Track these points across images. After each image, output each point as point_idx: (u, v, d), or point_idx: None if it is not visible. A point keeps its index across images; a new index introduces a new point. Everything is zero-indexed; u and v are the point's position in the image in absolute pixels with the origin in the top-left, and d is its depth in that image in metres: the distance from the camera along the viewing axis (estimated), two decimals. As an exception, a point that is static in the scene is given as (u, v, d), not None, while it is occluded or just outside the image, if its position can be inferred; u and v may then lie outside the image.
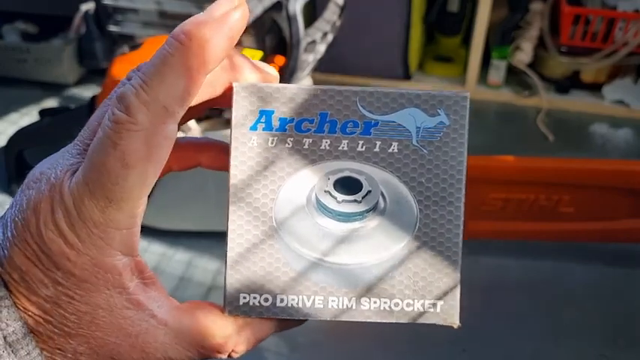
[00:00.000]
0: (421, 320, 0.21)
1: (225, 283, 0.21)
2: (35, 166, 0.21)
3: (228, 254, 0.21)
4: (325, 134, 0.22)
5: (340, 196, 0.21)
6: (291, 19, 0.66)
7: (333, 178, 0.21)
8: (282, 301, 0.21)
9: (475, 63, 1.15)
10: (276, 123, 0.21)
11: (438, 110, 0.22)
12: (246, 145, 0.21)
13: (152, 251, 0.82)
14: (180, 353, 0.20)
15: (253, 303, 0.21)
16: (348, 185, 0.21)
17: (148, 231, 0.83)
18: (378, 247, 0.21)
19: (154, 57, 0.19)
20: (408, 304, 0.21)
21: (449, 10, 1.20)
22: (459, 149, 0.22)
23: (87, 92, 1.18)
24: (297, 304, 0.20)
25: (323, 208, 0.21)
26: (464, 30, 1.24)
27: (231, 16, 0.19)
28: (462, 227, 0.22)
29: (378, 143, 0.21)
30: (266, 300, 0.21)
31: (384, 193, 0.21)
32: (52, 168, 0.20)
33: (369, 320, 0.21)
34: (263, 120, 0.21)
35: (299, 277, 0.21)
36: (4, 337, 0.18)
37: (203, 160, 0.23)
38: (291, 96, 0.22)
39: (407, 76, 1.20)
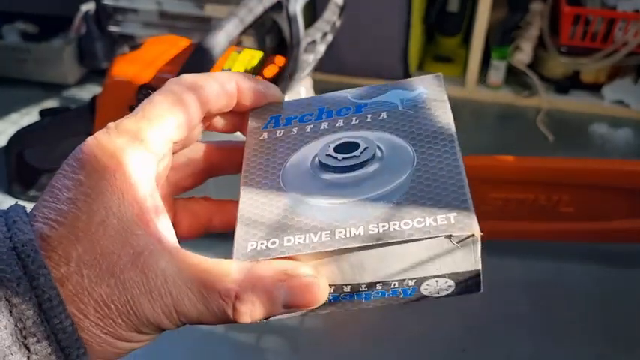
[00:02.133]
0: (435, 234, 0.20)
1: (234, 238, 0.22)
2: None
3: (239, 213, 0.23)
4: (324, 119, 0.25)
5: (340, 156, 0.24)
6: (291, 20, 0.66)
7: (333, 144, 0.24)
8: (288, 240, 0.21)
9: (475, 63, 1.15)
10: (283, 121, 0.26)
11: (417, 86, 0.26)
12: (257, 139, 0.25)
13: (152, 251, 0.82)
14: (180, 288, 0.20)
15: (261, 247, 0.21)
16: (346, 148, 0.24)
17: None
18: (381, 183, 0.22)
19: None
20: (418, 222, 0.21)
21: (449, 11, 1.20)
22: (444, 105, 0.24)
23: (87, 92, 1.18)
24: (304, 240, 0.21)
25: (326, 167, 0.23)
26: (464, 30, 1.24)
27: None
28: (459, 157, 0.23)
29: (370, 115, 0.25)
30: (273, 243, 0.21)
31: (380, 146, 0.24)
32: (144, 166, 0.22)
33: (379, 242, 0.20)
34: (272, 122, 0.26)
35: (304, 219, 0.22)
36: (39, 304, 0.19)
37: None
38: (295, 104, 0.26)
39: (407, 76, 1.20)
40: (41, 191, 0.99)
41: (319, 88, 0.89)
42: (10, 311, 0.19)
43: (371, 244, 0.20)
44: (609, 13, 1.06)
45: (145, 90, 0.73)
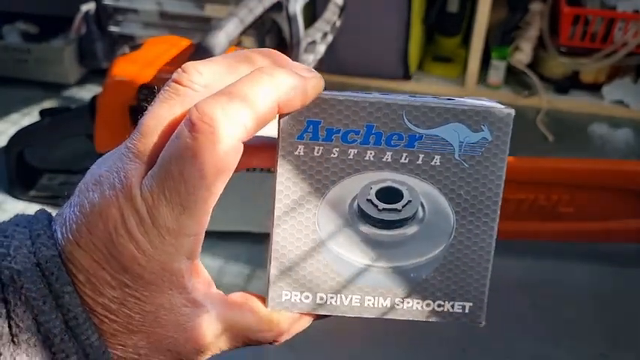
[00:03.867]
0: (450, 319, 0.22)
1: (268, 280, 0.22)
2: (90, 167, 0.21)
3: (273, 248, 0.22)
4: (370, 145, 0.22)
5: (381, 205, 0.22)
6: (291, 20, 0.66)
7: (376, 187, 0.22)
8: (321, 299, 0.22)
9: (475, 63, 1.16)
10: (322, 133, 0.22)
11: (482, 126, 0.22)
12: (292, 154, 0.22)
13: (153, 251, 0.82)
14: (229, 343, 0.22)
15: (295, 299, 0.22)
16: (389, 194, 0.22)
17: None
18: (415, 253, 0.22)
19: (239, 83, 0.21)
20: (439, 305, 0.22)
21: (448, 11, 1.20)
22: (499, 164, 0.22)
23: (87, 92, 1.18)
24: (335, 301, 0.22)
25: (365, 216, 0.22)
26: (463, 30, 1.24)
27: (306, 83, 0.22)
28: (494, 238, 0.23)
29: (421, 156, 0.22)
30: (307, 297, 0.22)
31: (423, 204, 0.22)
32: (113, 172, 0.20)
33: (402, 318, 0.22)
34: (310, 130, 0.22)
35: (337, 277, 0.22)
36: (66, 322, 0.19)
37: (255, 161, 0.24)
38: (339, 107, 0.22)
39: (407, 76, 1.20)
40: (41, 191, 0.98)
41: (319, 88, 0.89)
42: (38, 329, 0.19)
43: (392, 317, 0.22)
44: (609, 13, 1.06)
45: (146, 90, 0.73)
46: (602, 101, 1.15)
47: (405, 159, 0.22)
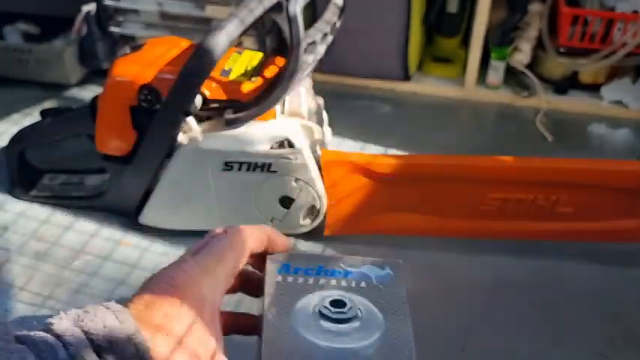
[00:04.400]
0: None
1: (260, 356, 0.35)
2: (185, 267, 0.34)
3: (264, 340, 0.35)
4: (322, 276, 0.39)
5: (334, 309, 0.36)
6: (291, 20, 0.67)
7: (329, 298, 0.36)
8: None
9: (474, 64, 1.16)
10: (292, 269, 0.39)
11: (386, 267, 0.40)
12: (274, 279, 0.38)
13: (153, 250, 0.82)
14: None
15: None
16: (338, 303, 0.37)
17: (149, 231, 0.84)
18: (360, 338, 0.35)
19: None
20: None
21: (448, 11, 1.20)
22: (401, 287, 0.39)
23: (88, 93, 1.18)
24: None
25: (324, 316, 0.36)
26: (463, 31, 1.25)
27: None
28: (410, 327, 0.36)
29: (354, 281, 0.38)
30: None
31: (360, 308, 0.36)
32: (213, 291, 0.35)
33: None
34: (284, 268, 0.39)
35: (310, 357, 0.34)
36: None
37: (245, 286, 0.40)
38: (302, 260, 0.39)
39: (406, 77, 1.20)
40: (42, 191, 0.99)
41: (319, 88, 0.90)
42: None
43: None
44: (608, 13, 1.07)
45: (146, 90, 0.74)
46: (601, 101, 1.16)
47: (344, 283, 0.38)
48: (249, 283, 0.39)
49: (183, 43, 0.80)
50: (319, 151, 0.78)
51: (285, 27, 0.69)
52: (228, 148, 0.74)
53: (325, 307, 0.36)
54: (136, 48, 0.80)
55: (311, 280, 0.38)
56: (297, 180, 0.76)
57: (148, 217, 0.82)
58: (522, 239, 0.82)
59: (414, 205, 0.79)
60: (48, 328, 0.28)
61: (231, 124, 0.74)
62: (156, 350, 0.29)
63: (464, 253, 0.82)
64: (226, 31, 0.66)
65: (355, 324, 0.36)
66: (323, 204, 0.78)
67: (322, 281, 0.38)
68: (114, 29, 1.16)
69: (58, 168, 0.96)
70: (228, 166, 0.75)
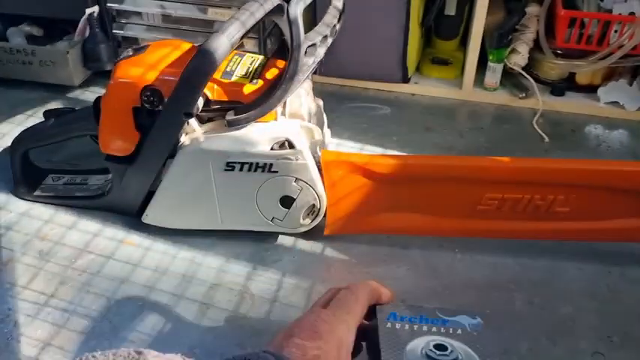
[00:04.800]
0: None
1: None
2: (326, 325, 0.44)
3: None
4: (424, 324, 0.47)
5: (438, 352, 0.44)
6: (291, 23, 0.68)
7: (433, 342, 0.45)
8: None
9: (472, 66, 1.17)
10: (399, 317, 0.47)
11: (476, 317, 0.49)
12: (385, 326, 0.47)
13: (155, 249, 0.83)
14: None
15: None
16: (441, 347, 0.44)
17: (151, 230, 0.85)
18: None
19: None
20: None
21: (446, 14, 1.21)
22: (491, 332, 0.48)
23: (91, 94, 1.19)
24: None
25: (430, 358, 0.44)
26: (461, 33, 1.26)
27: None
28: None
29: (451, 329, 0.46)
30: None
31: (460, 352, 0.44)
32: (346, 336, 0.44)
33: None
34: (392, 316, 0.48)
35: None
36: None
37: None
38: (406, 310, 0.49)
39: (405, 79, 1.21)
40: (45, 192, 1.00)
41: (319, 90, 0.91)
42: None
43: None
44: (605, 15, 1.08)
45: (149, 91, 0.75)
46: (597, 103, 1.17)
47: (443, 330, 0.46)
48: (357, 328, 0.47)
49: (185, 46, 0.81)
50: (319, 152, 0.79)
51: (285, 30, 0.70)
52: (230, 148, 0.76)
53: (431, 349, 0.45)
54: (138, 50, 0.81)
55: (415, 327, 0.47)
56: (297, 180, 0.77)
57: (150, 216, 0.83)
58: (520, 239, 0.83)
59: (413, 205, 0.80)
60: None
61: (233, 125, 0.75)
62: None
63: (462, 253, 0.82)
64: (228, 33, 0.67)
65: None
66: (323, 204, 0.79)
67: (425, 328, 0.47)
68: (117, 31, 1.17)
69: (61, 168, 0.97)
70: (229, 166, 0.76)
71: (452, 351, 0.45)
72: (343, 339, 0.43)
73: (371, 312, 0.51)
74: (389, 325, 0.47)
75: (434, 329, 0.47)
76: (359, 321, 0.47)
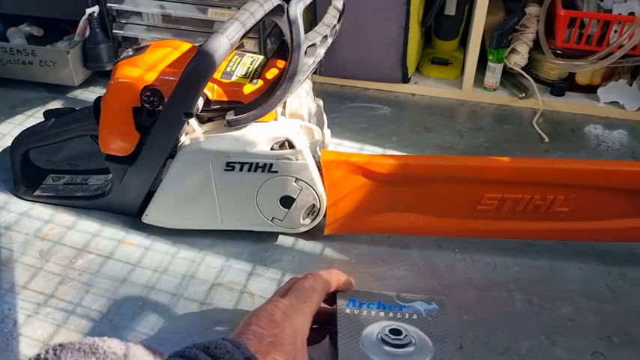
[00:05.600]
0: None
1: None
2: (281, 312, 0.47)
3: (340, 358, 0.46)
4: (381, 309, 0.49)
5: (392, 336, 0.47)
6: (292, 23, 0.68)
7: (388, 327, 0.47)
8: None
9: (472, 66, 1.17)
10: (357, 303, 0.50)
11: (432, 303, 0.51)
12: (343, 312, 0.49)
13: (156, 249, 0.83)
14: None
15: None
16: (396, 331, 0.47)
17: (151, 230, 0.85)
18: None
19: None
20: None
21: (446, 14, 1.21)
22: (447, 316, 0.50)
23: (91, 94, 1.19)
24: None
25: (385, 342, 0.46)
26: (461, 33, 1.26)
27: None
28: (455, 354, 0.47)
29: (407, 314, 0.49)
30: None
31: (414, 336, 0.47)
32: (302, 324, 0.46)
33: None
34: (351, 302, 0.50)
35: None
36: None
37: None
38: (365, 296, 0.51)
39: (405, 79, 1.21)
40: (45, 191, 1.00)
41: (319, 90, 0.91)
42: None
43: None
44: (604, 15, 1.08)
45: (149, 91, 0.75)
46: (597, 103, 1.17)
47: (400, 315, 0.49)
48: (318, 314, 0.49)
49: (186, 46, 0.81)
50: (319, 152, 0.79)
51: (285, 30, 0.70)
52: (230, 148, 0.76)
53: (386, 334, 0.47)
54: (138, 50, 0.81)
55: (373, 313, 0.49)
56: (297, 180, 0.77)
57: (150, 216, 0.83)
58: (520, 239, 0.83)
59: (413, 205, 0.80)
60: (182, 354, 0.37)
61: (233, 125, 0.75)
62: None
63: (462, 253, 0.83)
64: (227, 34, 0.67)
65: (410, 349, 0.47)
66: (323, 204, 0.79)
67: (382, 314, 0.49)
68: (117, 31, 1.17)
69: (61, 168, 0.97)
70: (229, 166, 0.76)
71: (406, 335, 0.47)
72: (299, 327, 0.45)
73: (332, 298, 0.53)
74: (347, 310, 0.49)
75: (390, 314, 0.49)
76: (315, 309, 0.48)
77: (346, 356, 0.45)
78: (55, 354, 0.32)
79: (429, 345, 0.47)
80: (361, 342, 0.46)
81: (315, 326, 0.52)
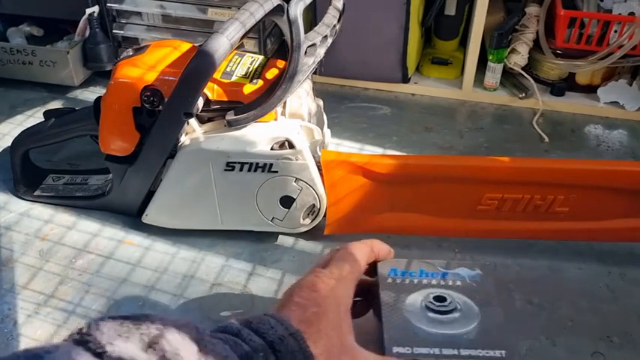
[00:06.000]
0: (494, 356, 0.43)
1: (384, 339, 0.44)
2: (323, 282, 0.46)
3: (384, 325, 0.45)
4: (424, 277, 0.49)
5: (437, 303, 0.46)
6: (292, 23, 0.68)
7: (432, 295, 0.47)
8: (416, 350, 0.43)
9: (472, 66, 1.17)
10: (399, 273, 0.50)
11: (476, 268, 0.51)
12: (386, 282, 0.49)
13: (156, 249, 0.83)
14: None
15: (400, 351, 0.43)
16: (440, 298, 0.47)
17: (151, 230, 0.85)
18: (462, 325, 0.44)
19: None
20: (487, 352, 0.42)
21: (446, 14, 1.21)
22: (490, 283, 0.49)
23: (92, 94, 1.19)
24: (427, 351, 0.43)
25: (429, 309, 0.46)
26: (461, 33, 1.26)
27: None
28: (502, 316, 0.46)
29: (450, 281, 0.49)
30: (408, 349, 0.43)
31: (458, 302, 0.47)
32: (345, 294, 0.45)
33: (464, 357, 0.43)
34: (392, 272, 0.50)
35: (422, 340, 0.43)
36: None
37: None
38: (406, 264, 0.51)
39: (405, 79, 1.21)
40: (46, 191, 1.01)
41: (319, 90, 0.91)
42: None
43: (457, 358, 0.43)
44: (604, 15, 1.08)
45: (149, 91, 0.75)
46: (597, 103, 1.17)
47: (443, 282, 0.48)
48: (360, 286, 0.48)
49: (186, 46, 0.81)
50: (319, 152, 0.79)
51: (285, 30, 0.70)
52: (230, 148, 0.76)
53: (430, 301, 0.47)
54: (138, 50, 0.81)
55: (415, 281, 0.49)
56: (297, 180, 0.77)
57: (150, 216, 0.83)
58: (520, 239, 0.83)
59: (413, 205, 0.80)
60: (225, 329, 0.37)
61: (233, 125, 0.75)
62: (311, 343, 0.37)
63: (462, 253, 0.83)
64: (227, 34, 0.67)
65: (455, 314, 0.46)
66: (323, 204, 0.79)
67: (425, 281, 0.49)
68: (117, 31, 1.17)
69: (61, 168, 0.97)
70: (229, 166, 0.76)
71: (450, 302, 0.46)
72: (342, 297, 0.43)
73: (373, 269, 0.52)
74: (389, 280, 0.49)
75: (433, 282, 0.48)
76: (357, 279, 0.47)
77: (391, 326, 0.44)
78: (96, 327, 0.32)
79: (475, 310, 0.46)
80: (405, 310, 0.45)
81: (358, 299, 0.50)
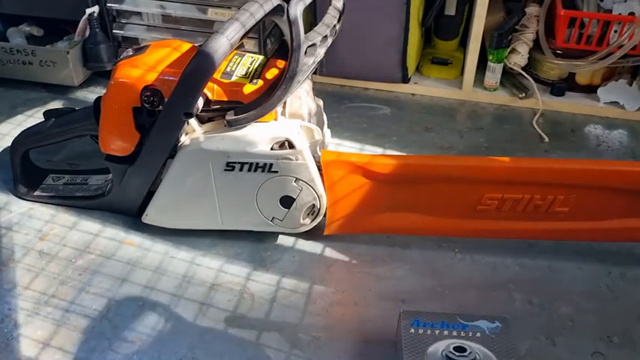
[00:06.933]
0: None
1: None
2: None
3: None
4: (445, 329, 0.51)
5: (457, 354, 0.49)
6: (292, 23, 0.68)
7: (452, 345, 0.49)
8: None
9: (472, 66, 1.17)
10: (421, 323, 0.52)
11: (495, 322, 0.53)
12: (408, 332, 0.52)
13: (155, 250, 0.83)
14: None
15: None
16: (460, 349, 0.49)
17: (151, 230, 0.85)
18: None
19: None
20: None
21: (446, 14, 1.21)
22: (509, 335, 0.52)
23: (91, 94, 1.19)
24: None
25: (450, 359, 0.49)
26: (461, 33, 1.26)
27: None
28: None
29: (470, 332, 0.51)
30: None
31: (478, 353, 0.49)
32: None
33: None
34: (415, 323, 0.53)
35: None
36: None
37: None
38: (429, 316, 0.54)
39: (405, 79, 1.21)
40: (46, 191, 1.01)
41: (319, 90, 0.91)
42: None
43: None
44: (604, 15, 1.08)
45: (149, 91, 0.75)
46: (597, 103, 1.17)
47: (463, 334, 0.50)
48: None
49: (186, 46, 0.81)
50: (319, 152, 0.79)
51: (285, 30, 0.70)
52: (230, 148, 0.76)
53: (451, 351, 0.49)
54: (138, 50, 0.81)
55: (437, 332, 0.51)
56: (297, 180, 0.77)
57: (150, 216, 0.83)
58: (520, 239, 0.83)
59: (413, 205, 0.80)
60: None
61: (233, 125, 0.75)
62: None
63: (462, 253, 0.83)
64: (227, 34, 0.67)
65: None
66: (323, 204, 0.79)
67: (446, 332, 0.51)
68: (117, 31, 1.17)
69: (61, 168, 0.97)
70: (229, 166, 0.76)
71: (470, 352, 0.48)
72: None
73: (397, 319, 0.56)
74: (412, 330, 0.51)
75: (454, 333, 0.50)
76: None
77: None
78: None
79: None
80: (426, 359, 0.48)
81: None
